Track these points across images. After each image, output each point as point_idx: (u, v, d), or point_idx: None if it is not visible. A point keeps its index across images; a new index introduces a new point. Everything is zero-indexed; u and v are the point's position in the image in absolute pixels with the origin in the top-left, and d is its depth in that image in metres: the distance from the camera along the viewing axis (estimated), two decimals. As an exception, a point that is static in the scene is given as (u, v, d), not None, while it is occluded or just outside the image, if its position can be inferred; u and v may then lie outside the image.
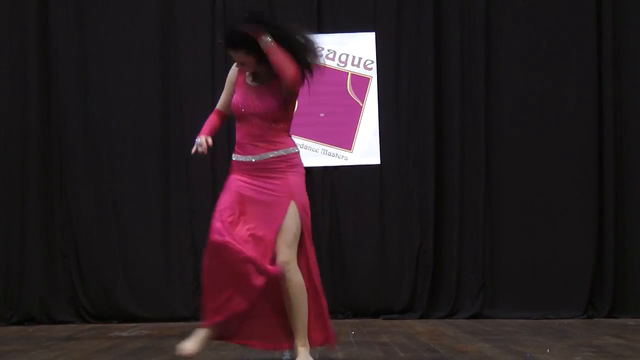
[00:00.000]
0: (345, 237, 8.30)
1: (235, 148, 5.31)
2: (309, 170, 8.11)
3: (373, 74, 8.25)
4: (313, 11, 8.32)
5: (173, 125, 8.31)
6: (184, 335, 7.00)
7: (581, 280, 8.13)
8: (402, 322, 7.82)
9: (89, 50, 8.38)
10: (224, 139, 7.75)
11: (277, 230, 5.10)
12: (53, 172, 8.33)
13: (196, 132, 5.34)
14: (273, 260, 5.06)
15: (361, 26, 8.31)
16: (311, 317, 5.23)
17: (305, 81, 5.19)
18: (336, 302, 8.18)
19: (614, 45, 8.22)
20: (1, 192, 8.30)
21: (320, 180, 8.28)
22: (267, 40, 5.03)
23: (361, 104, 8.25)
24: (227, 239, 5.00)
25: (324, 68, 5.82)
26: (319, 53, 5.28)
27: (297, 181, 5.23)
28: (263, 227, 5.10)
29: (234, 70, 5.34)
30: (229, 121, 5.64)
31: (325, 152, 8.22)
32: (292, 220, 5.16)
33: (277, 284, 5.09)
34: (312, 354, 5.20)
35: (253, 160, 5.19)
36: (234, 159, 5.29)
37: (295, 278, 5.14)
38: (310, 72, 5.21)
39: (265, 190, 5.16)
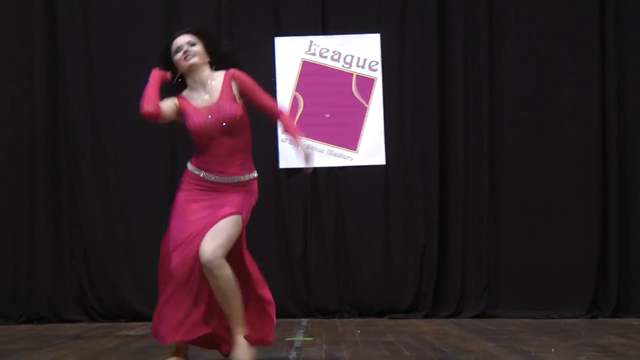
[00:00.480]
0: (351, 236, 8.27)
1: (196, 160, 5.09)
2: (315, 171, 8.14)
3: (378, 75, 8.23)
4: (318, 13, 8.30)
5: (178, 128, 8.22)
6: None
7: (585, 280, 8.10)
8: (407, 322, 7.79)
9: (95, 53, 8.35)
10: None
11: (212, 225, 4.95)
12: (61, 173, 8.31)
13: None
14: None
15: (366, 28, 8.29)
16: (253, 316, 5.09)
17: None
18: (342, 301, 8.20)
19: (617, 45, 8.19)
20: (11, 194, 8.29)
21: (326, 180, 8.26)
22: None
23: (366, 105, 8.24)
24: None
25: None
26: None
27: (247, 203, 5.06)
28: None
29: (170, 100, 5.07)
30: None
31: (330, 153, 8.21)
32: (230, 224, 4.99)
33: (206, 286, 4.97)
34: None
35: (213, 179, 5.01)
36: (191, 169, 5.09)
37: (225, 272, 4.95)
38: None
39: (213, 202, 5.00)
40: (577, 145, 8.20)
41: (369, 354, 5.66)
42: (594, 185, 8.16)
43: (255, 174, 5.11)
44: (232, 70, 5.04)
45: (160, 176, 8.25)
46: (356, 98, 8.24)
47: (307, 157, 5.05)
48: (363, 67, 8.24)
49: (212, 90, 5.02)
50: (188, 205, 5.01)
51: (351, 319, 8.04)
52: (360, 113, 8.24)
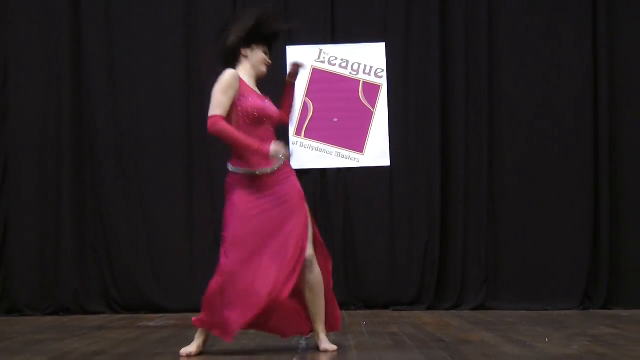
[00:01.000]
0: (357, 233, 8.28)
1: (234, 160, 5.12)
2: (324, 172, 8.19)
3: (383, 82, 8.21)
4: (327, 24, 8.32)
5: (196, 127, 8.31)
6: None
7: (578, 275, 8.11)
8: (410, 313, 7.81)
9: (117, 56, 8.38)
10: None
11: (303, 240, 5.05)
12: (85, 174, 8.33)
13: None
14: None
15: (372, 37, 8.28)
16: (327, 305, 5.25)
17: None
18: (349, 294, 8.18)
19: (608, 51, 8.20)
20: (38, 193, 8.32)
21: (334, 180, 8.28)
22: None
23: (372, 110, 8.22)
24: (233, 278, 4.93)
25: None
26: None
27: (298, 182, 5.20)
28: (280, 249, 4.99)
29: (234, 76, 5.11)
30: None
31: (338, 155, 8.19)
32: (309, 218, 5.16)
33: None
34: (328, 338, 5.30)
35: (266, 172, 5.06)
36: (234, 171, 5.10)
37: (317, 269, 5.14)
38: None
39: (276, 205, 5.05)
40: (570, 147, 8.20)
41: (374, 343, 5.69)
42: (586, 186, 8.16)
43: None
44: None
45: (179, 175, 8.29)
46: (363, 103, 8.24)
47: (295, 64, 5.22)
48: (369, 74, 8.24)
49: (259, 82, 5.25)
50: (242, 205, 5.07)
51: (358, 311, 8.05)
52: (366, 117, 8.23)
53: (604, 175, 8.15)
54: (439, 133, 8.25)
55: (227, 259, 4.96)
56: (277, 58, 8.17)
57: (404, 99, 8.33)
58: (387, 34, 8.34)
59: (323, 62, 8.20)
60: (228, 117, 5.07)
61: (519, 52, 8.30)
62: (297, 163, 8.12)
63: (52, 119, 8.35)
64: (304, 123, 7.98)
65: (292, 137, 8.01)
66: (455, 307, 8.13)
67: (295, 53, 8.15)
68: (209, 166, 8.21)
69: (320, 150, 8.09)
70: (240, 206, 5.02)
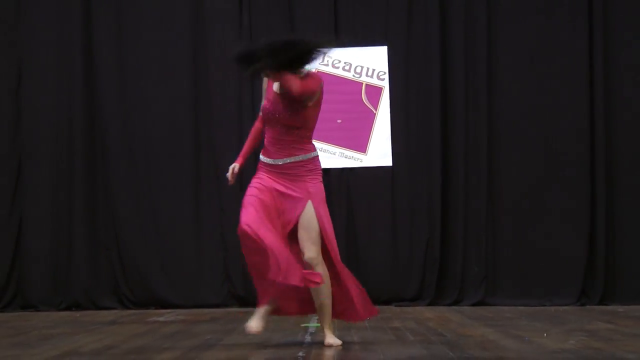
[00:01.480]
0: (360, 231, 8.26)
1: (263, 150, 5.30)
2: (327, 172, 8.16)
3: (385, 84, 8.23)
4: (331, 28, 8.28)
5: (205, 129, 8.30)
6: (215, 320, 7.05)
7: (575, 271, 8.08)
8: (412, 309, 7.79)
9: (128, 59, 8.38)
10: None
11: (290, 228, 5.14)
12: (97, 174, 8.34)
13: (225, 135, 5.30)
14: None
15: (374, 41, 8.29)
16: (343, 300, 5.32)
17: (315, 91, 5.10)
18: (352, 291, 8.17)
19: (604, 54, 8.16)
20: (51, 193, 8.33)
21: (337, 180, 8.26)
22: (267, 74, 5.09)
23: (375, 111, 8.23)
24: (249, 230, 4.99)
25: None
26: (314, 51, 5.09)
27: (314, 184, 5.19)
28: (281, 222, 5.13)
29: (265, 80, 5.31)
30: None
31: (342, 155, 8.20)
32: (311, 219, 5.12)
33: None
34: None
35: (277, 163, 5.17)
36: (261, 159, 5.28)
37: (321, 271, 5.13)
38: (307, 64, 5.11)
39: (289, 188, 5.15)
40: (567, 147, 8.17)
41: (377, 338, 5.68)
42: (583, 186, 8.13)
43: (315, 154, 5.28)
44: None
45: (188, 175, 8.29)
46: (365, 105, 8.24)
47: None
48: (372, 76, 8.24)
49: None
50: (263, 178, 5.28)
51: (361, 307, 8.06)
52: (369, 119, 8.24)
53: (601, 175, 8.12)
54: (439, 133, 8.22)
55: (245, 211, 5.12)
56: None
57: (406, 101, 8.30)
58: (388, 38, 8.32)
59: (327, 65, 8.19)
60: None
61: (518, 54, 8.28)
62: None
63: (65, 122, 8.36)
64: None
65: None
66: (455, 303, 8.10)
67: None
68: (215, 168, 8.18)
69: (324, 151, 8.08)
70: (261, 175, 5.26)
